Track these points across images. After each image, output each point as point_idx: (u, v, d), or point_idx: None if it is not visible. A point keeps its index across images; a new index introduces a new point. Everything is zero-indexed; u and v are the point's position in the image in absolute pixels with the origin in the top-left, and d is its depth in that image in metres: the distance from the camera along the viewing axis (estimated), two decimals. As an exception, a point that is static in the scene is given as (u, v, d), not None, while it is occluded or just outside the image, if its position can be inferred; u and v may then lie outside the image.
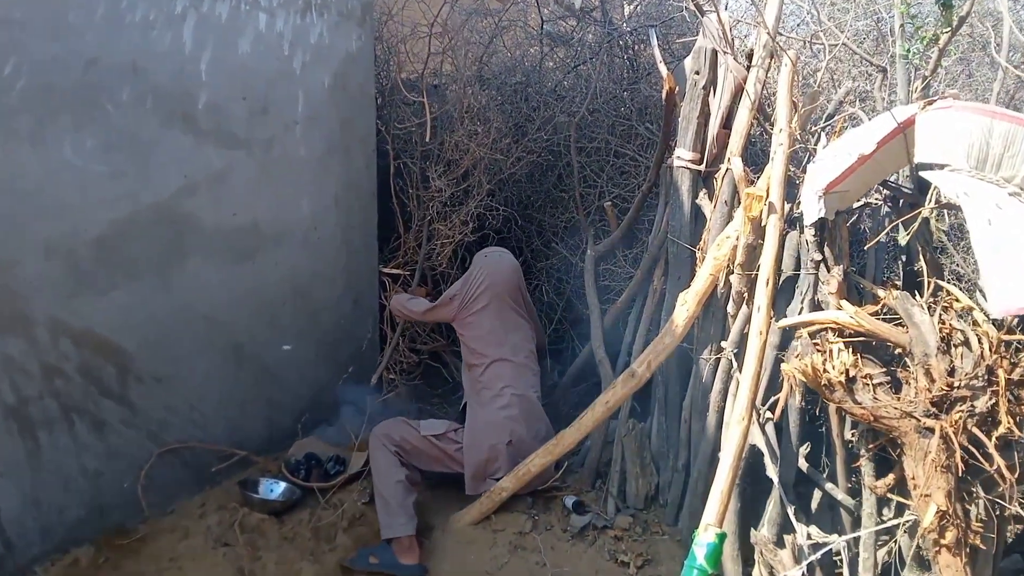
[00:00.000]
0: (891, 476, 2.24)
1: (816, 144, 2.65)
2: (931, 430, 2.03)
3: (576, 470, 3.43)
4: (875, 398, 2.12)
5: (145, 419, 2.92)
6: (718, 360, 2.83)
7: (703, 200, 3.05)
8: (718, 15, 2.92)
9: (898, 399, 2.12)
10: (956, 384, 2.04)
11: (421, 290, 3.72)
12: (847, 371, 2.14)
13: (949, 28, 2.52)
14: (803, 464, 2.57)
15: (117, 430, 2.84)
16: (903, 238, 2.20)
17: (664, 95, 3.15)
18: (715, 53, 2.99)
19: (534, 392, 3.31)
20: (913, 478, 2.07)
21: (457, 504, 3.15)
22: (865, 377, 2.14)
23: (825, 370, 2.14)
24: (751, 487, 2.73)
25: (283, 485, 3.25)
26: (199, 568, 2.76)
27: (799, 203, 2.53)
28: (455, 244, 3.80)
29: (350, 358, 3.81)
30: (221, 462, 3.23)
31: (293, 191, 3.35)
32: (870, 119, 2.67)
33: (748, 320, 2.57)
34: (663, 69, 3.20)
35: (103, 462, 2.80)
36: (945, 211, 2.69)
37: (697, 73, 2.99)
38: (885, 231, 2.32)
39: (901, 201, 2.50)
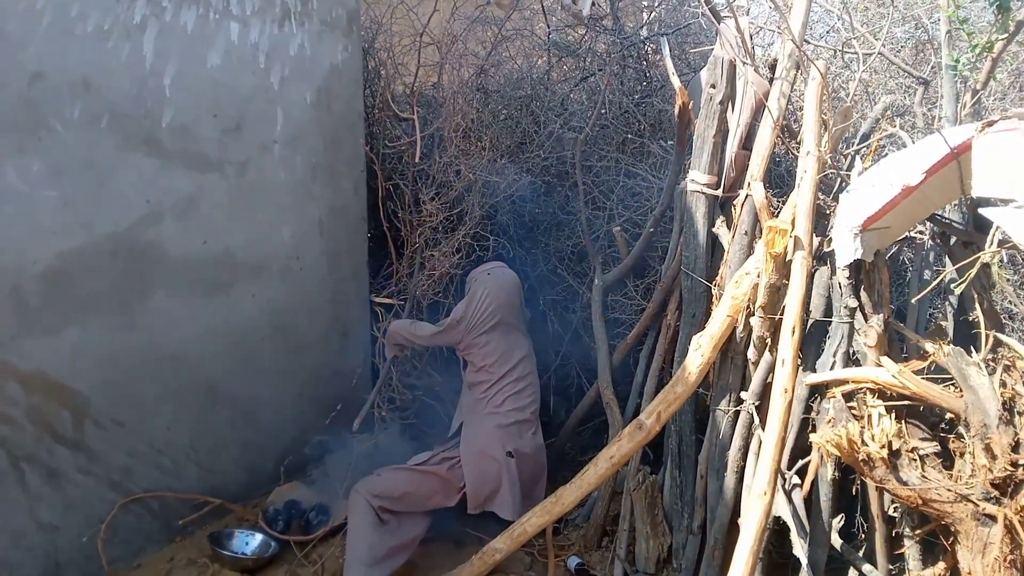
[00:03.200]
0: (941, 565, 1.88)
1: (849, 169, 2.29)
2: (992, 517, 1.69)
3: (581, 525, 3.11)
4: (923, 476, 1.77)
5: (105, 467, 2.73)
6: (737, 412, 2.49)
7: (720, 229, 2.71)
8: (736, 21, 2.59)
9: (950, 476, 1.77)
10: (1022, 462, 1.69)
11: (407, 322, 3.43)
12: (889, 443, 1.79)
13: (1005, 34, 2.17)
14: (836, 540, 2.21)
15: (74, 480, 2.64)
16: (958, 287, 1.84)
17: (676, 111, 2.83)
18: (733, 64, 2.67)
19: (534, 407, 3.27)
20: (970, 573, 1.72)
21: (446, 564, 2.85)
22: (911, 450, 1.78)
23: (864, 442, 1.78)
24: (776, 552, 2.39)
25: (259, 538, 3.03)
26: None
27: (830, 238, 2.18)
28: (449, 273, 3.50)
29: (338, 395, 3.54)
30: (193, 511, 3.02)
31: (272, 217, 3.11)
32: (912, 138, 2.32)
33: (771, 369, 2.24)
34: (676, 82, 2.88)
35: (59, 515, 2.61)
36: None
37: (713, 87, 2.67)
38: (936, 282, 1.96)
39: (953, 239, 2.13)
